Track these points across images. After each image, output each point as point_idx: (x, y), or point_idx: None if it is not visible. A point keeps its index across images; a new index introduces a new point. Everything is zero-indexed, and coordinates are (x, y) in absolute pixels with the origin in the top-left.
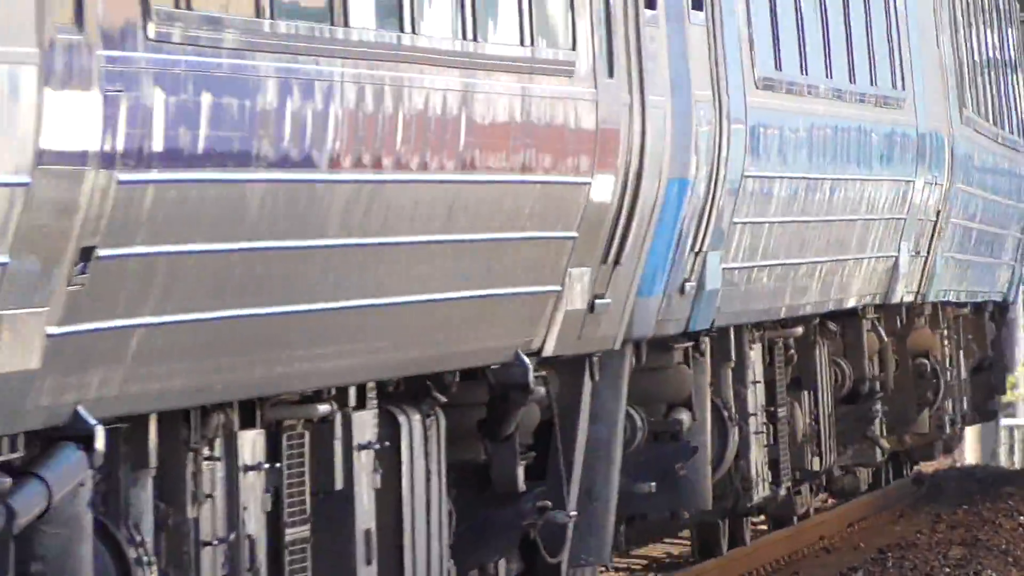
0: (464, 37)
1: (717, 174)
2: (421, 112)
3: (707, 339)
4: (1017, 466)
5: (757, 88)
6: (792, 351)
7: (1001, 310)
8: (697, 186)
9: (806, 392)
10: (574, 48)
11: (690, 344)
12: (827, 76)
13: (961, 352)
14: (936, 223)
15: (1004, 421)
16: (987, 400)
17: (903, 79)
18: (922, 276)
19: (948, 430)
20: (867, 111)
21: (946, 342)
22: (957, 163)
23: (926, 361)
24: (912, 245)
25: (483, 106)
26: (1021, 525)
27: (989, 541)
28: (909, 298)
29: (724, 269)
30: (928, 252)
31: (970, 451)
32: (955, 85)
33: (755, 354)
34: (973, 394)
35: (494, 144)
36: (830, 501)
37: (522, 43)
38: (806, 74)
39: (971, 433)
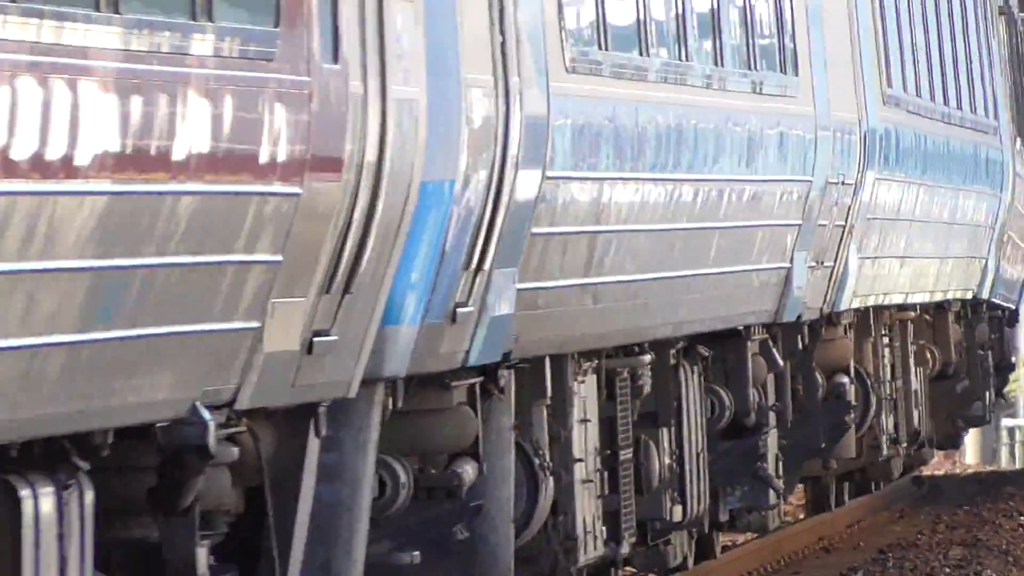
0: (98, 8)
1: (502, 176)
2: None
3: (509, 373)
4: (1017, 466)
5: (568, 71)
6: (642, 382)
7: (972, 308)
8: (468, 190)
9: (665, 429)
10: (276, 25)
11: (476, 381)
12: (680, 58)
13: (912, 359)
14: (846, 225)
15: (1004, 421)
16: (963, 407)
17: (796, 62)
18: (829, 286)
19: (888, 450)
20: (738, 100)
21: (885, 351)
22: (875, 153)
23: (845, 379)
24: (812, 254)
25: (124, 98)
26: (1021, 525)
27: (989, 541)
28: (811, 314)
29: (521, 290)
30: (836, 258)
31: (970, 452)
32: (875, 63)
33: (586, 387)
34: (939, 402)
35: (145, 147)
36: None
37: (193, 17)
38: (646, 55)
39: (971, 433)
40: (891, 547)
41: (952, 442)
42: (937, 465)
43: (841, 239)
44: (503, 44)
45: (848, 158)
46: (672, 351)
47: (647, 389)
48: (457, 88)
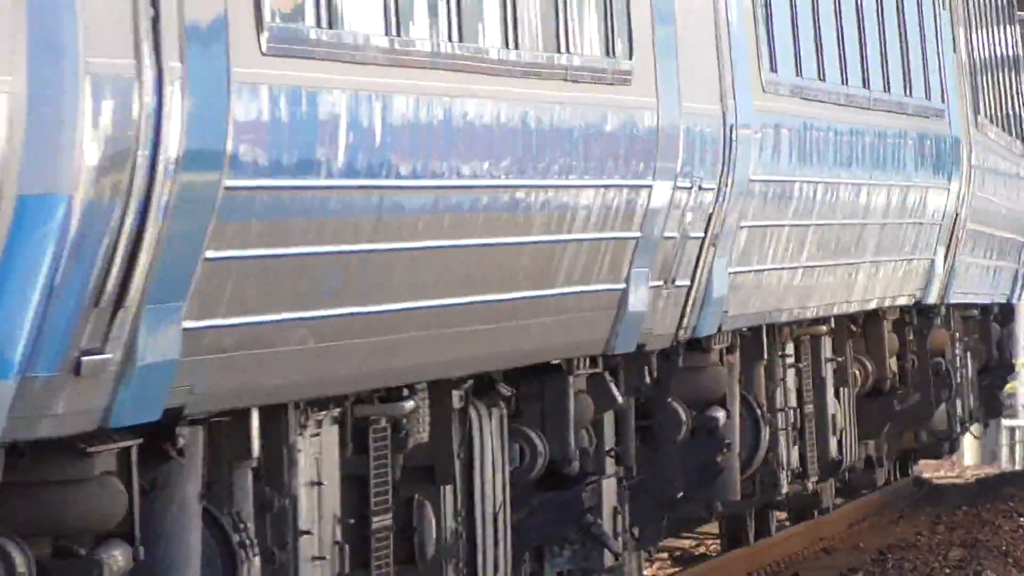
0: None
1: (151, 187)
2: None
3: (192, 431)
4: (1018, 467)
5: (265, 54)
6: (405, 432)
7: (921, 313)
8: (94, 206)
9: (446, 488)
10: None
11: (131, 443)
12: (451, 38)
13: (830, 379)
14: (706, 236)
15: (1005, 422)
16: (916, 422)
17: (630, 44)
18: (685, 307)
19: (785, 490)
20: (537, 88)
21: (788, 373)
22: (748, 150)
23: (719, 412)
24: (658, 271)
25: None
26: (1021, 526)
27: (989, 542)
28: (660, 342)
29: (193, 330)
30: (695, 276)
31: (969, 453)
32: (751, 46)
33: (320, 442)
34: (877, 421)
35: None
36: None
37: None
38: (396, 35)
39: (971, 433)
40: (891, 548)
41: (932, 452)
42: (936, 466)
43: (700, 253)
44: (155, 20)
45: (707, 157)
46: (458, 393)
47: (417, 439)
48: (74, 77)
